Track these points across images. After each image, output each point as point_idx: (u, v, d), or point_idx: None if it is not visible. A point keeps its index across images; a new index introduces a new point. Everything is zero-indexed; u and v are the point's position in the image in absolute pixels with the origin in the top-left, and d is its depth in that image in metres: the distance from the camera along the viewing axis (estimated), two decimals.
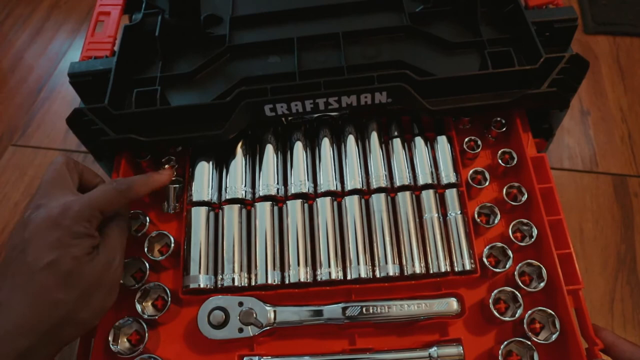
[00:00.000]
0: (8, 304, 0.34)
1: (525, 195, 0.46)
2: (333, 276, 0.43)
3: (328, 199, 0.47)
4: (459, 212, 0.45)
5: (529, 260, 0.43)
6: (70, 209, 0.37)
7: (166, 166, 0.50)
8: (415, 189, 0.47)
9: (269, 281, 0.44)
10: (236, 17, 0.58)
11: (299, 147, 0.50)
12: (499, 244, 0.44)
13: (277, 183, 0.48)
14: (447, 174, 0.47)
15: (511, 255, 0.43)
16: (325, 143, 0.50)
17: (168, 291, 0.43)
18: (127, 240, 0.42)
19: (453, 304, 0.42)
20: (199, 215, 0.46)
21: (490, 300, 0.41)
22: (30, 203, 0.39)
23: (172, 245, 0.45)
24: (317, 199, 0.47)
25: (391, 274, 0.43)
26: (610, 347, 0.39)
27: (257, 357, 0.42)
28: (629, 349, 0.39)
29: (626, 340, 0.39)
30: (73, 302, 0.35)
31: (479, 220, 0.45)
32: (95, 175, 0.44)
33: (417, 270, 0.43)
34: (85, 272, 0.36)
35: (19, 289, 0.34)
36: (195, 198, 0.47)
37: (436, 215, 0.45)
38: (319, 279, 0.44)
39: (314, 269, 0.44)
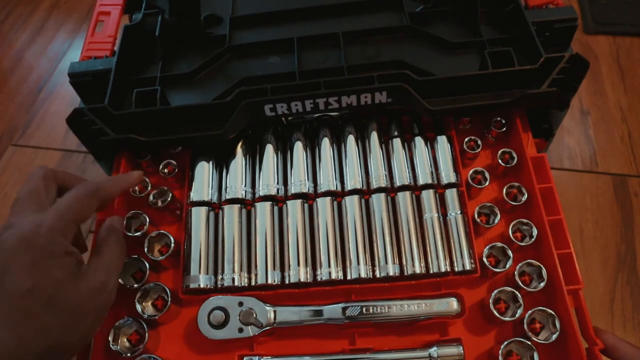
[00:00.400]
0: None
1: (525, 195, 0.46)
2: (333, 276, 0.43)
3: (328, 199, 0.47)
4: (459, 212, 0.45)
5: (529, 260, 0.43)
6: (42, 226, 0.34)
7: (136, 170, 0.46)
8: (415, 189, 0.47)
9: (269, 281, 0.44)
10: (236, 17, 0.58)
11: (299, 147, 0.50)
12: (499, 244, 0.44)
13: (277, 183, 0.48)
14: (447, 174, 0.47)
15: (511, 255, 0.43)
16: (325, 143, 0.50)
17: (168, 291, 0.43)
18: (124, 253, 0.40)
19: (453, 304, 0.42)
20: (199, 216, 0.46)
21: (490, 300, 0.41)
22: (5, 222, 0.37)
23: (172, 245, 0.45)
24: (317, 199, 0.47)
25: (391, 274, 0.43)
26: (611, 349, 0.39)
27: (257, 357, 0.41)
28: (630, 351, 0.39)
29: (628, 342, 0.39)
30: (60, 328, 0.33)
31: (479, 220, 0.45)
32: (79, 179, 0.42)
33: (417, 270, 0.43)
34: (71, 294, 0.34)
35: (1, 318, 0.32)
36: (195, 198, 0.47)
37: (436, 215, 0.45)
38: (319, 279, 0.44)
39: (314, 269, 0.44)
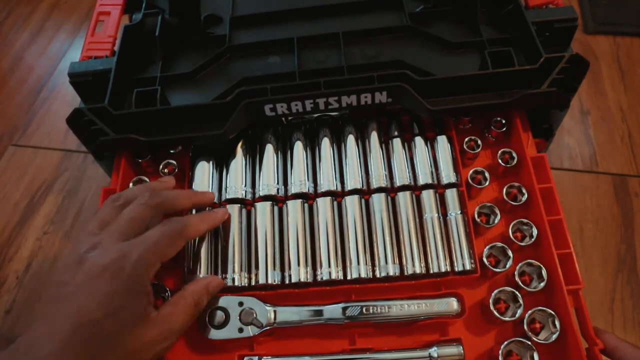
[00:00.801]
0: (40, 350, 0.31)
1: (525, 195, 0.46)
2: (333, 276, 0.43)
3: (328, 199, 0.47)
4: (459, 212, 0.45)
5: (529, 260, 0.43)
6: (129, 258, 0.33)
7: (221, 208, 0.46)
8: (415, 188, 0.47)
9: (269, 281, 0.44)
10: (236, 17, 0.58)
11: (299, 147, 0.50)
12: (499, 244, 0.44)
13: (277, 183, 0.48)
14: (447, 174, 0.47)
15: (511, 255, 0.43)
16: (325, 143, 0.50)
17: (168, 291, 0.43)
18: (194, 317, 0.38)
19: (453, 304, 0.42)
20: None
21: (490, 300, 0.41)
22: (86, 232, 0.36)
23: None
24: (317, 199, 0.47)
25: (391, 274, 0.43)
26: (612, 350, 0.39)
27: (256, 357, 0.41)
28: (631, 352, 0.38)
29: (629, 343, 0.39)
30: None
31: (479, 220, 0.45)
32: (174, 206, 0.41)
33: (417, 270, 0.43)
34: (131, 338, 0.33)
35: (57, 337, 0.31)
36: None
37: (436, 215, 0.45)
38: (319, 279, 0.44)
39: (314, 269, 0.44)
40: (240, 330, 0.42)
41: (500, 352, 0.39)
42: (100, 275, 0.33)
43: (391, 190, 0.48)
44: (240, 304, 0.42)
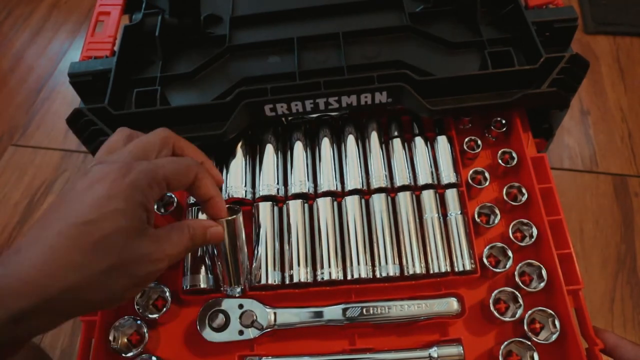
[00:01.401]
0: (24, 253, 0.29)
1: (525, 195, 0.46)
2: (333, 276, 0.43)
3: (328, 199, 0.47)
4: (459, 212, 0.45)
5: (529, 260, 0.43)
6: (132, 169, 0.32)
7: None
8: (415, 189, 0.47)
9: (269, 281, 0.44)
10: (236, 17, 0.58)
11: (299, 147, 0.50)
12: (499, 244, 0.44)
13: (277, 183, 0.48)
14: (447, 174, 0.47)
15: (511, 255, 0.43)
16: (325, 143, 0.50)
17: (168, 291, 0.43)
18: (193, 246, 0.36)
19: (453, 304, 0.42)
20: (199, 216, 0.46)
21: (491, 301, 0.41)
22: (94, 158, 0.35)
23: None
24: (317, 199, 0.47)
25: (391, 274, 0.43)
26: (613, 348, 0.39)
27: (257, 358, 0.42)
28: (632, 349, 0.38)
29: (629, 341, 0.39)
30: (95, 273, 0.30)
31: (479, 220, 0.45)
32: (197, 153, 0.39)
33: (417, 271, 0.43)
34: (125, 247, 0.31)
35: (43, 241, 0.30)
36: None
37: (436, 215, 0.45)
38: (319, 279, 0.44)
39: (314, 269, 0.44)
40: (241, 332, 0.42)
41: (500, 352, 0.39)
42: (101, 181, 0.32)
43: (391, 191, 0.48)
44: (241, 306, 0.42)
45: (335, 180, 0.48)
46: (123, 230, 0.31)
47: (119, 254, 0.31)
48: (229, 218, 0.39)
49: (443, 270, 0.43)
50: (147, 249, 0.32)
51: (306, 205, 0.47)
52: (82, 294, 0.30)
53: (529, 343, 0.39)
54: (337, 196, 0.48)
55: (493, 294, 0.41)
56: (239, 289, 0.42)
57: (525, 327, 0.40)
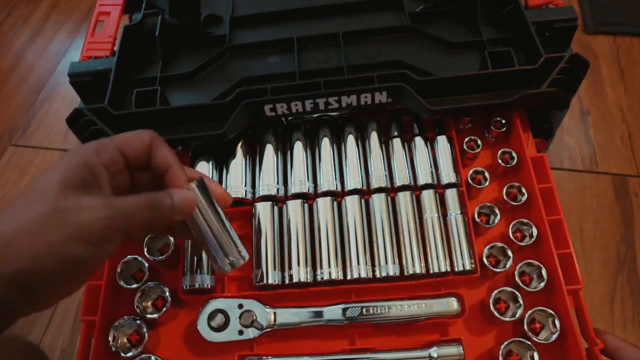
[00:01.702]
0: None
1: (525, 195, 0.46)
2: (333, 276, 0.43)
3: (328, 199, 0.47)
4: (459, 212, 0.45)
5: (529, 260, 0.43)
6: (88, 145, 0.33)
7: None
8: (415, 189, 0.47)
9: (270, 281, 0.44)
10: (236, 17, 0.58)
11: (299, 147, 0.50)
12: (499, 244, 0.44)
13: (277, 183, 0.48)
14: (447, 174, 0.47)
15: (511, 255, 0.43)
16: (325, 143, 0.50)
17: (168, 291, 0.43)
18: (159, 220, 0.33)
19: (453, 304, 0.42)
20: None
21: (491, 300, 0.41)
22: None
23: (172, 245, 0.45)
24: (317, 199, 0.47)
25: (391, 274, 0.43)
26: (614, 350, 0.39)
27: (256, 358, 0.42)
28: (633, 352, 0.38)
29: (630, 343, 0.39)
30: (21, 226, 0.30)
31: (479, 220, 0.45)
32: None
33: (417, 270, 0.43)
34: (56, 195, 0.31)
35: (15, 212, 0.30)
36: None
37: (436, 215, 0.45)
38: (319, 279, 0.44)
39: (314, 269, 0.44)
40: (241, 332, 0.42)
41: (500, 352, 0.39)
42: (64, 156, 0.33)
43: (391, 190, 0.48)
44: (240, 306, 0.42)
45: (335, 180, 0.48)
46: (57, 182, 0.31)
47: (51, 202, 0.30)
48: (199, 180, 0.35)
49: (443, 270, 0.43)
50: (88, 202, 0.31)
51: (306, 205, 0.47)
52: (17, 244, 0.29)
53: (529, 343, 0.39)
54: (337, 196, 0.48)
55: (493, 294, 0.41)
56: (227, 262, 0.36)
57: (525, 327, 0.40)
